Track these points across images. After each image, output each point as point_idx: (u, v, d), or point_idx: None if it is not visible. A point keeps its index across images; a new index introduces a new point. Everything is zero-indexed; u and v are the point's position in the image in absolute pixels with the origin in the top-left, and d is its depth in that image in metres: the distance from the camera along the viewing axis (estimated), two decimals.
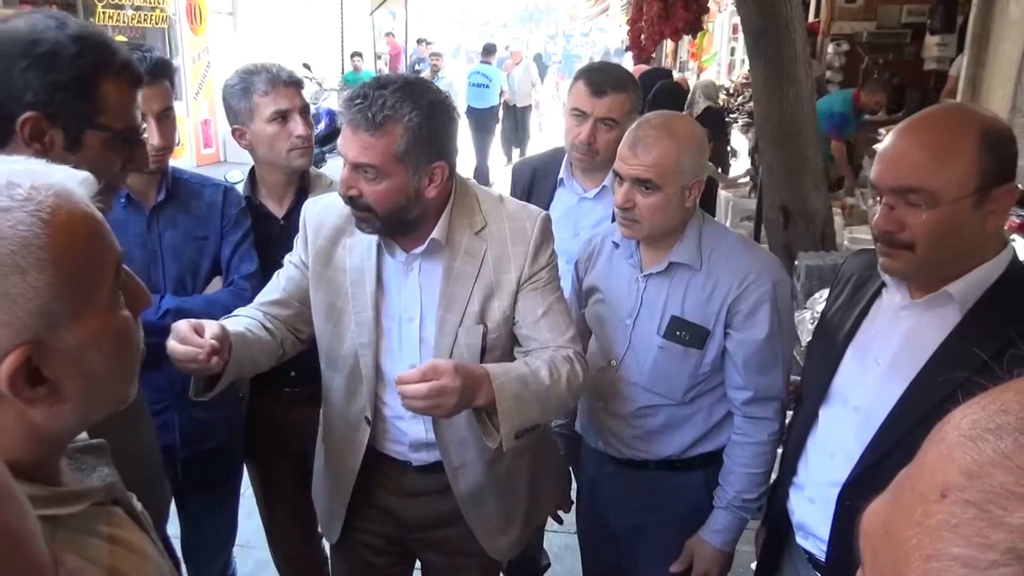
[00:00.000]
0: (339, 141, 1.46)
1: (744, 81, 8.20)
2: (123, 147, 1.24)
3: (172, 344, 1.36)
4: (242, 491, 2.21)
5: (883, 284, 1.35)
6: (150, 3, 9.39)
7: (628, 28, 2.58)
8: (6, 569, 0.40)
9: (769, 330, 1.61)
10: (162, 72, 1.80)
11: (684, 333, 1.65)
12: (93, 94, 1.17)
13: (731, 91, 8.44)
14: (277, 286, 1.65)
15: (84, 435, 0.88)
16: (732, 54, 10.78)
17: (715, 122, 6.09)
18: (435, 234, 1.51)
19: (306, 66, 9.45)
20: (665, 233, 1.65)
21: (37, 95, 1.13)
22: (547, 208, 2.23)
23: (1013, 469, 0.27)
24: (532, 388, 1.44)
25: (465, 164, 9.37)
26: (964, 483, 0.29)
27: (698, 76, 9.09)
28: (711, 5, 9.34)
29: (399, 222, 1.48)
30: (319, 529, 2.01)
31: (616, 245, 1.77)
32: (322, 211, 1.61)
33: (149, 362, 1.75)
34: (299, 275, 1.63)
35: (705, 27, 9.16)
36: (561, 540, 3.05)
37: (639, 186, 1.58)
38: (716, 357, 1.66)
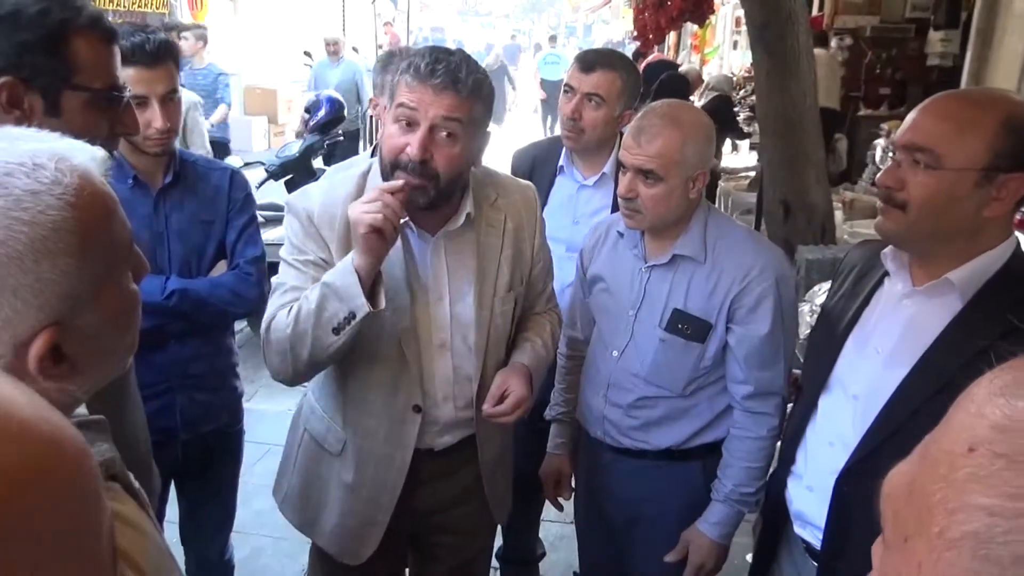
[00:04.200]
0: (409, 99, 1.42)
1: (747, 75, 8.19)
2: (107, 107, 1.22)
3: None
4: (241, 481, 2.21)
5: (885, 274, 1.35)
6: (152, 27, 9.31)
7: (634, 18, 2.58)
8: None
9: (771, 326, 1.62)
10: (166, 54, 1.79)
11: (686, 326, 1.65)
12: (65, 52, 1.16)
13: (734, 84, 8.42)
14: (304, 288, 1.52)
15: (84, 411, 0.89)
16: (735, 47, 10.76)
17: (723, 112, 6.08)
18: (469, 208, 1.55)
19: (307, 53, 9.43)
20: (669, 224, 1.65)
21: (7, 58, 1.12)
22: (547, 196, 2.24)
23: None
24: (542, 363, 1.70)
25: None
26: (994, 437, 0.29)
27: (700, 68, 9.08)
28: None
29: (450, 192, 1.50)
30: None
31: (621, 235, 1.77)
32: (325, 203, 1.55)
33: (152, 343, 1.79)
34: (323, 273, 1.51)
35: (709, 21, 9.14)
36: (557, 530, 3.07)
37: (642, 176, 1.58)
38: (718, 351, 1.67)
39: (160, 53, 1.77)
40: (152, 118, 1.76)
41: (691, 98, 6.25)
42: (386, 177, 1.49)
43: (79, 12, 1.17)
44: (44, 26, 1.14)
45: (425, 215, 1.53)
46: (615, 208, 1.87)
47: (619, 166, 1.66)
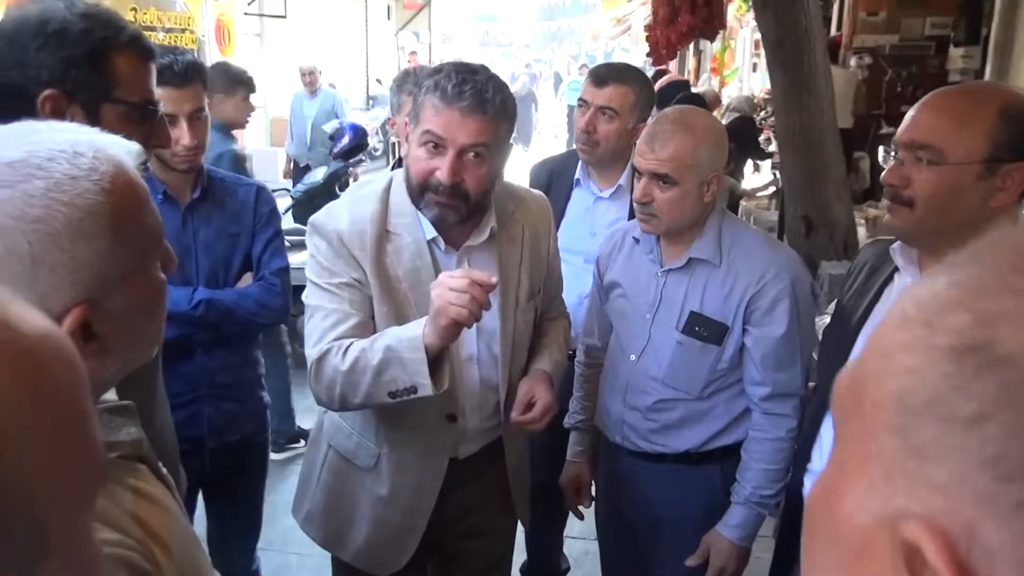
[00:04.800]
0: (436, 125, 1.44)
1: (767, 96, 8.22)
2: (142, 121, 1.27)
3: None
4: (265, 495, 2.24)
5: (896, 269, 1.36)
6: (180, 25, 9.60)
7: (647, 36, 2.63)
8: (77, 447, 0.42)
9: (787, 327, 1.63)
10: (194, 75, 1.87)
11: (703, 329, 1.67)
12: (106, 67, 1.22)
13: (755, 105, 8.45)
14: (346, 312, 1.52)
15: (113, 395, 0.92)
16: (754, 69, 10.80)
17: (745, 132, 6.09)
18: (493, 222, 1.59)
19: (332, 86, 9.64)
20: (684, 228, 1.67)
21: (52, 72, 1.17)
22: (563, 209, 2.27)
23: (961, 286, 0.29)
24: (560, 368, 1.74)
25: None
26: (915, 312, 0.31)
27: (720, 90, 9.14)
28: (733, 21, 9.39)
29: (479, 207, 1.54)
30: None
31: (637, 240, 1.80)
32: (353, 221, 1.55)
33: (180, 353, 1.84)
34: (360, 295, 1.54)
35: (728, 43, 9.21)
36: (581, 546, 3.06)
37: (657, 180, 1.61)
38: (735, 353, 1.68)
39: (188, 74, 1.85)
40: (180, 136, 1.83)
41: None
42: (413, 197, 1.52)
43: (120, 31, 1.24)
44: (88, 43, 1.20)
45: (452, 228, 1.56)
46: (631, 219, 1.90)
47: (634, 172, 1.69)
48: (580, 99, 2.20)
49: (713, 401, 1.72)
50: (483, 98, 1.43)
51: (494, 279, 1.39)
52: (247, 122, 3.47)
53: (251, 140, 6.78)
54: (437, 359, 1.43)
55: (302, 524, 1.79)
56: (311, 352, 1.51)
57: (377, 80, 12.58)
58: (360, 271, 1.53)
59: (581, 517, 2.10)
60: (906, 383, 0.29)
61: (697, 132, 1.60)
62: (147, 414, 1.39)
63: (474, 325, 1.58)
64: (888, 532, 0.27)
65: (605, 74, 2.16)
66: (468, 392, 1.63)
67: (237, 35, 10.43)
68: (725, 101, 8.03)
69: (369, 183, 1.68)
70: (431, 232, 1.56)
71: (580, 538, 3.04)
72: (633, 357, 1.76)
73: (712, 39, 2.49)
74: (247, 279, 1.98)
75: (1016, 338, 0.25)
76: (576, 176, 2.27)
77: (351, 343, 1.48)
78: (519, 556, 2.69)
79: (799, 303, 1.64)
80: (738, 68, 11.07)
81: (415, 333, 1.42)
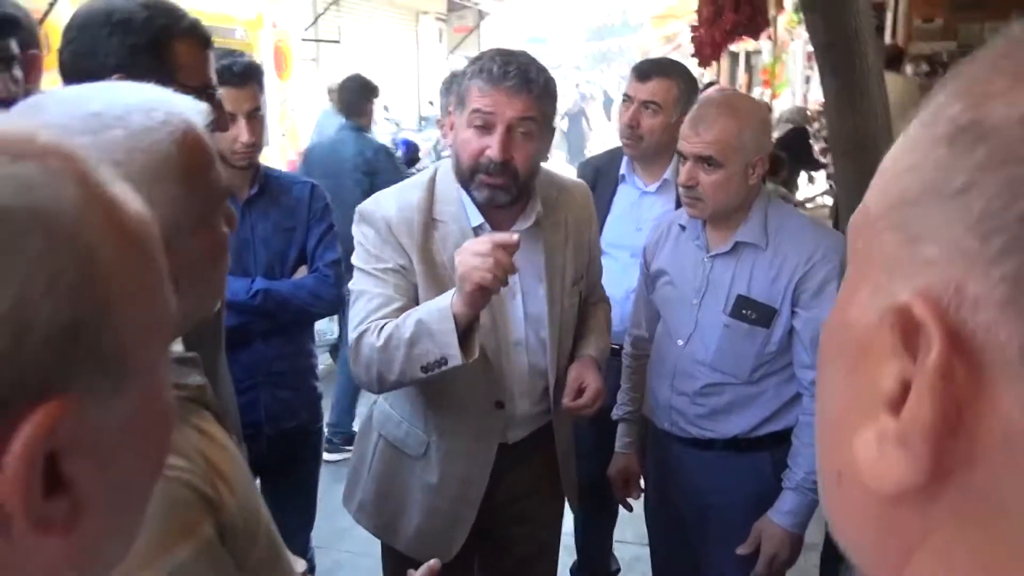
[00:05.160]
0: (484, 104, 1.47)
1: (819, 108, 8.11)
2: None
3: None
4: (319, 496, 2.29)
5: None
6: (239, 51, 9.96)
7: (692, 37, 2.63)
8: (156, 294, 0.43)
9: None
10: (251, 75, 1.95)
11: (750, 312, 1.66)
12: (167, 54, 1.29)
13: (808, 117, 8.35)
14: (390, 296, 1.54)
15: (180, 347, 0.97)
16: (807, 82, 10.67)
17: (798, 143, 6.02)
18: (539, 207, 1.61)
19: (385, 108, 9.88)
20: (729, 211, 1.68)
21: (120, 59, 1.25)
22: (609, 204, 2.29)
23: (956, 84, 0.30)
24: (604, 353, 1.78)
25: None
26: (916, 123, 0.31)
27: (771, 103, 9.06)
28: (784, 34, 9.31)
29: (527, 189, 1.56)
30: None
31: (683, 228, 1.81)
32: (401, 207, 1.57)
33: (239, 341, 1.91)
34: (405, 281, 1.56)
35: (779, 56, 9.13)
36: (632, 551, 3.03)
37: (701, 163, 1.62)
38: (783, 336, 1.67)
39: (246, 74, 1.93)
40: (239, 133, 1.91)
41: None
42: (463, 181, 1.54)
43: (179, 19, 1.32)
44: (150, 31, 1.28)
45: (498, 215, 1.58)
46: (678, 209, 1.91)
47: (680, 158, 1.70)
48: (624, 94, 2.22)
49: (762, 386, 1.71)
50: (528, 77, 1.46)
51: (515, 237, 1.38)
52: (374, 123, 4.41)
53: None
54: (468, 329, 1.43)
55: (354, 514, 1.81)
56: (351, 334, 1.54)
57: (429, 102, 12.81)
58: (406, 258, 1.55)
59: (630, 509, 2.09)
60: (906, 181, 0.30)
61: (741, 114, 1.61)
62: (213, 383, 1.46)
63: (523, 309, 1.62)
64: (888, 317, 0.29)
65: (648, 69, 2.18)
66: (517, 378, 1.64)
67: (294, 60, 10.75)
68: (776, 113, 7.96)
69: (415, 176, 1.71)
70: (477, 219, 1.58)
71: (632, 543, 3.02)
72: (680, 342, 1.77)
73: (756, 37, 2.49)
74: (302, 271, 2.05)
75: (1004, 111, 0.27)
76: (621, 172, 2.29)
77: (387, 322, 1.49)
78: (569, 558, 2.69)
79: None
80: (790, 80, 10.95)
81: (443, 304, 1.42)
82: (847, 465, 0.31)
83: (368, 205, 1.62)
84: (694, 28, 2.55)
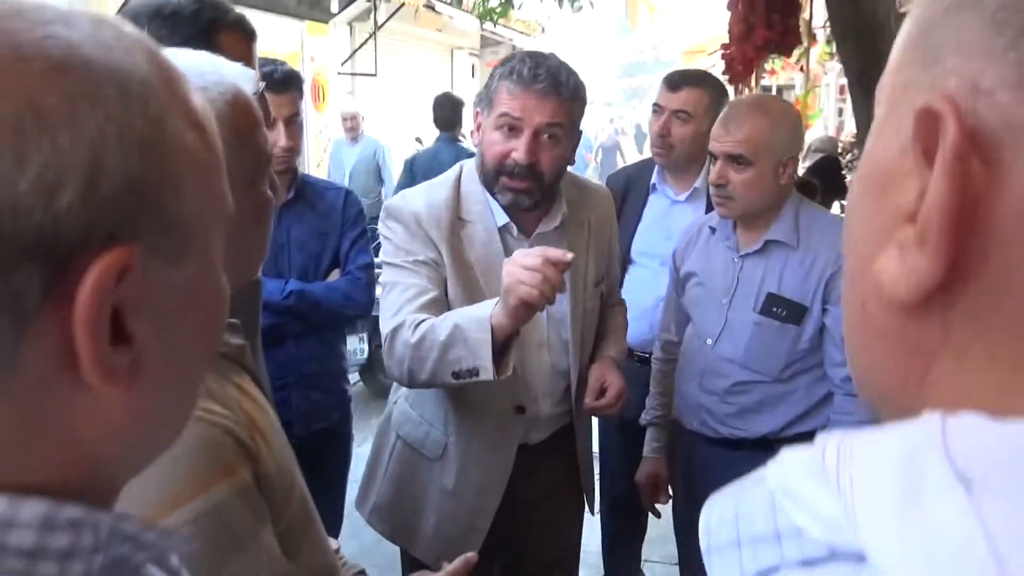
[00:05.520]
0: (512, 107, 1.47)
1: (852, 140, 8.08)
2: None
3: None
4: (346, 513, 2.28)
5: None
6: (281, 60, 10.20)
7: (722, 54, 2.65)
8: (215, 179, 0.45)
9: None
10: (291, 83, 2.02)
11: (781, 309, 1.66)
12: (215, 46, 1.33)
13: (841, 150, 8.32)
14: (424, 287, 1.52)
15: None
16: (840, 115, 10.65)
17: (830, 173, 5.98)
18: (565, 208, 1.62)
19: (418, 140, 10.06)
20: (760, 211, 1.68)
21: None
22: (640, 214, 2.31)
23: None
24: (624, 354, 1.78)
25: None
26: None
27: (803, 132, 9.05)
28: (816, 67, 9.33)
29: (551, 191, 1.56)
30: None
31: (713, 230, 1.81)
32: (429, 203, 1.56)
33: (273, 341, 1.94)
34: (436, 275, 1.54)
35: (811, 88, 9.13)
36: (662, 570, 2.99)
37: (732, 162, 1.63)
38: (814, 334, 1.66)
39: (287, 81, 2.00)
40: (277, 138, 1.97)
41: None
42: (487, 183, 1.54)
43: (226, 13, 1.37)
44: (198, 23, 1.34)
45: (523, 215, 1.59)
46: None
47: (711, 159, 1.71)
48: (655, 104, 2.25)
49: (793, 384, 1.70)
50: (558, 80, 1.46)
51: (569, 256, 1.35)
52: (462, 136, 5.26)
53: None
54: (505, 345, 1.40)
55: (368, 518, 1.77)
56: (386, 325, 1.51)
57: (461, 135, 13.02)
58: (436, 252, 1.53)
59: (659, 515, 2.07)
60: (918, 18, 0.31)
61: (772, 114, 1.62)
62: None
63: (545, 310, 1.60)
64: (907, 131, 0.29)
65: (679, 79, 2.20)
66: (539, 380, 1.63)
67: (331, 93, 11.01)
68: (807, 142, 7.94)
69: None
70: (502, 219, 1.58)
71: (659, 562, 2.98)
72: (710, 341, 1.76)
73: (788, 54, 2.50)
74: (335, 275, 2.09)
75: None
76: (652, 181, 2.31)
77: (424, 319, 1.47)
78: (597, 573, 2.66)
79: None
80: (822, 110, 10.95)
81: (483, 314, 1.39)
82: (872, 290, 0.32)
83: (395, 201, 1.62)
84: (725, 46, 2.57)
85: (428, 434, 1.66)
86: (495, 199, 1.56)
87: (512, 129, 1.48)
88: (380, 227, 1.60)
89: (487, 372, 1.37)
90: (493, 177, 1.52)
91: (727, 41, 2.77)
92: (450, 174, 1.64)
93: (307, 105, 10.46)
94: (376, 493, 1.74)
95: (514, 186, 1.50)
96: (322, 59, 10.19)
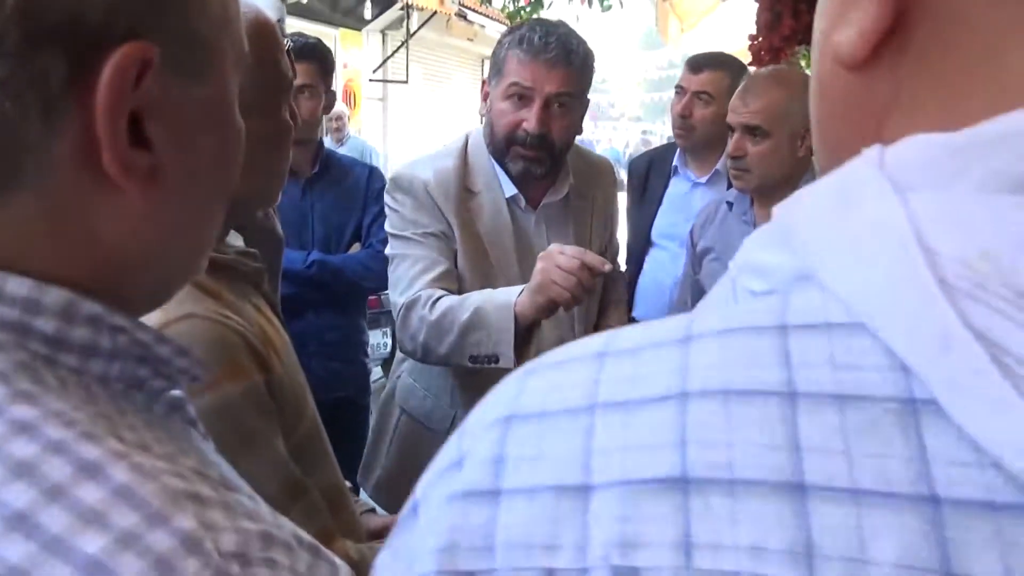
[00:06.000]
0: (522, 77, 1.45)
1: None
2: None
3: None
4: None
5: None
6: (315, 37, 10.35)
7: (749, 45, 2.63)
8: (228, 9, 0.46)
9: None
10: (309, 53, 2.06)
11: None
12: None
13: None
14: (435, 259, 1.49)
15: (241, 243, 1.03)
16: None
17: None
18: (571, 179, 1.61)
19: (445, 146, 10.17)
20: (777, 184, 1.68)
21: None
22: (662, 196, 2.31)
23: None
24: (624, 324, 1.63)
25: None
26: None
27: None
28: None
29: (560, 161, 1.55)
30: None
31: (730, 206, 1.82)
32: (437, 171, 1.53)
33: (292, 311, 1.97)
34: (446, 247, 1.51)
35: None
36: None
37: (749, 134, 1.64)
38: None
39: (303, 51, 2.04)
40: None
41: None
42: (498, 152, 1.51)
43: None
44: None
45: (531, 186, 1.56)
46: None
47: (729, 132, 1.72)
48: (677, 86, 2.26)
49: None
50: (568, 49, 1.45)
51: (607, 267, 1.35)
52: None
53: None
54: (527, 333, 1.38)
55: (371, 493, 1.74)
56: (399, 299, 1.48)
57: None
58: (445, 223, 1.50)
59: None
60: None
61: (790, 85, 1.62)
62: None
63: None
64: None
65: (701, 61, 2.21)
66: (543, 345, 1.56)
67: (363, 99, 11.16)
68: None
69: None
70: (510, 190, 1.55)
71: None
72: None
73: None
74: (356, 249, 2.12)
75: None
76: (674, 163, 2.32)
77: (441, 295, 1.44)
78: None
79: None
80: None
81: (507, 300, 1.37)
82: (829, 60, 0.33)
83: (402, 170, 1.59)
84: (752, 36, 2.57)
85: (434, 406, 1.64)
86: (505, 169, 1.54)
87: (522, 98, 1.46)
88: (386, 198, 1.57)
89: (508, 360, 1.36)
90: (504, 147, 1.50)
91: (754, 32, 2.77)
92: (456, 143, 1.62)
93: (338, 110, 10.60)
94: (380, 467, 1.71)
95: (526, 155, 1.48)
96: (355, 66, 10.35)
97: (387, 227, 1.56)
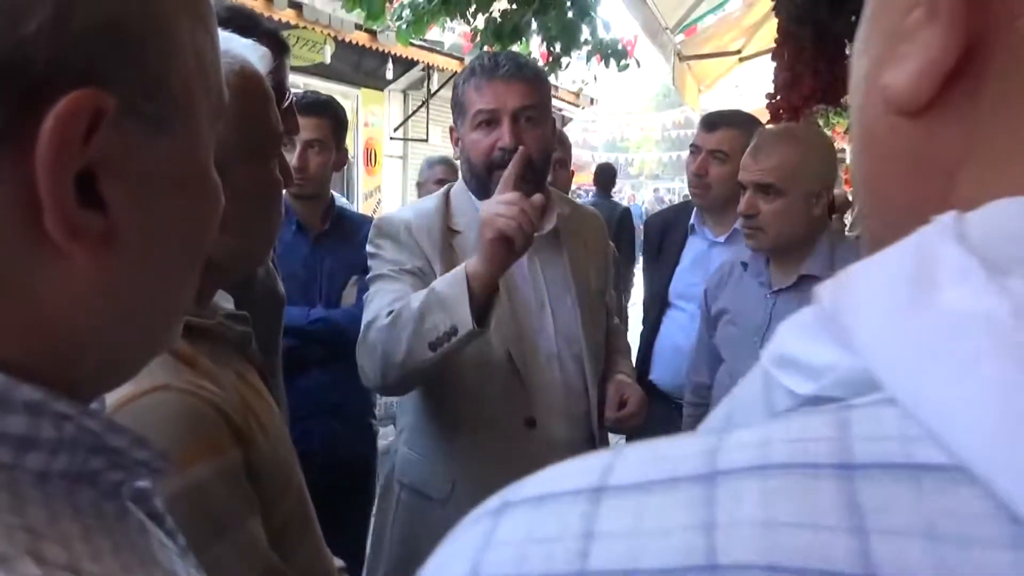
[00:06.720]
0: (485, 102, 1.46)
1: None
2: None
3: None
4: None
5: None
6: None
7: (767, 103, 2.61)
8: (202, 50, 0.42)
9: None
10: (317, 109, 2.05)
11: None
12: None
13: None
14: (405, 292, 1.43)
15: (231, 306, 0.99)
16: None
17: None
18: (559, 209, 1.58)
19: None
20: (793, 244, 1.63)
21: None
22: (678, 257, 2.27)
23: None
24: (633, 373, 1.73)
25: None
26: None
27: (849, 196, 8.96)
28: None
29: (543, 178, 1.53)
30: None
31: (745, 266, 1.77)
32: (419, 213, 1.53)
33: (296, 368, 1.93)
34: (419, 282, 1.46)
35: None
36: None
37: (761, 192, 1.60)
38: None
39: (314, 107, 2.04)
40: (292, 158, 1.99)
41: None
42: (482, 184, 1.48)
43: (257, 24, 1.42)
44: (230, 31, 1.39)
45: None
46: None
47: (741, 190, 1.68)
48: (692, 145, 2.24)
49: None
50: (519, 64, 1.47)
51: (542, 198, 1.33)
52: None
53: None
54: (487, 301, 1.31)
55: None
56: (362, 332, 1.43)
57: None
58: (424, 261, 1.47)
59: None
60: None
61: (803, 142, 1.59)
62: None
63: (551, 323, 1.52)
64: None
65: (716, 119, 2.19)
66: (550, 393, 1.52)
67: (383, 157, 11.32)
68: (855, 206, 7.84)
69: None
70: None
71: None
72: (741, 381, 1.69)
73: (835, 104, 2.44)
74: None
75: None
76: (691, 222, 2.28)
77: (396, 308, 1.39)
78: None
79: None
80: None
81: (459, 269, 1.32)
82: (879, 110, 0.28)
83: (383, 216, 1.59)
84: (770, 95, 2.56)
85: (433, 471, 1.54)
86: (492, 195, 1.46)
87: (490, 123, 1.46)
88: (369, 247, 1.55)
89: (466, 324, 1.26)
90: (486, 174, 1.47)
91: (771, 91, 2.76)
92: (439, 191, 1.62)
93: (359, 168, 10.78)
94: (385, 557, 1.60)
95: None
96: (376, 124, 10.53)
97: (368, 276, 1.53)
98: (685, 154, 2.37)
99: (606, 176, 6.75)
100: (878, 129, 0.28)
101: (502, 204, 1.29)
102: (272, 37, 1.42)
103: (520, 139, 1.45)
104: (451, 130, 1.59)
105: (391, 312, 1.37)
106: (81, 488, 0.38)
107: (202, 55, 0.42)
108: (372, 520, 2.21)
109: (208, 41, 0.43)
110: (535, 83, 1.49)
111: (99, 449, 0.38)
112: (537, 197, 1.31)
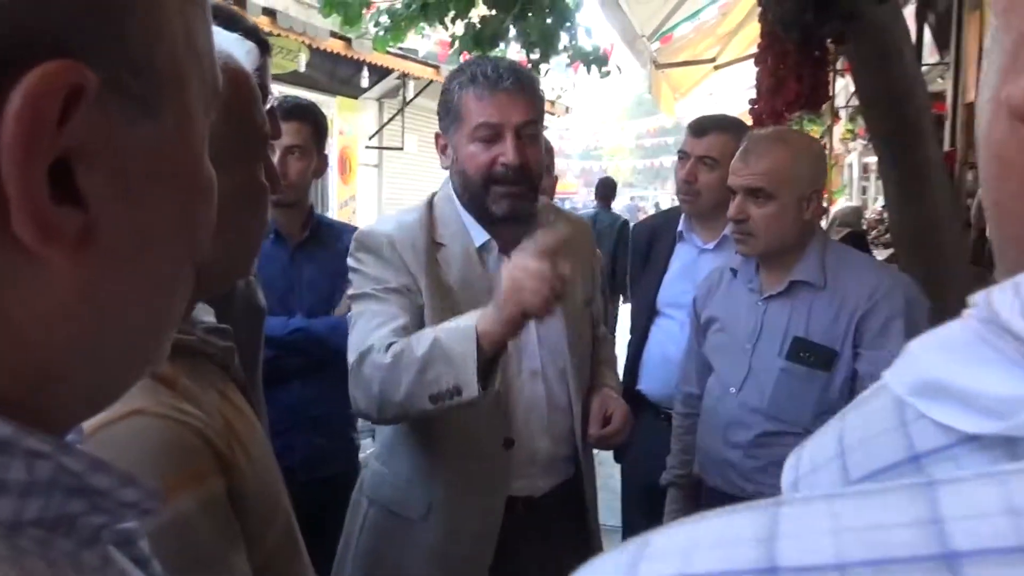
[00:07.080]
0: (489, 115, 1.41)
1: (876, 217, 8.01)
2: None
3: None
4: None
5: None
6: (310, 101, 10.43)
7: (750, 109, 2.61)
8: (191, 29, 0.37)
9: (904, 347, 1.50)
10: (297, 114, 2.00)
11: (808, 355, 1.57)
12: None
13: (867, 226, 8.27)
14: (393, 314, 1.40)
15: (212, 319, 0.93)
16: (863, 193, 10.64)
17: (858, 248, 5.92)
18: (546, 218, 1.56)
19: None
20: (783, 249, 1.61)
21: None
22: (666, 264, 2.24)
23: None
24: (620, 387, 1.67)
25: None
26: None
27: (829, 208, 9.05)
28: (839, 146, 9.38)
29: (536, 194, 1.50)
30: None
31: (734, 273, 1.74)
32: (401, 226, 1.47)
33: (276, 380, 1.87)
34: (408, 302, 1.43)
35: (834, 162, 9.17)
36: None
37: (752, 196, 1.57)
38: (846, 382, 1.56)
39: (293, 112, 1.98)
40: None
41: None
42: (475, 197, 1.45)
43: (238, 23, 1.36)
44: None
45: (503, 233, 1.47)
46: None
47: (731, 195, 1.66)
48: (680, 151, 2.21)
49: None
50: (520, 77, 1.43)
51: (569, 267, 1.25)
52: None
53: None
54: (491, 361, 1.25)
55: None
56: (351, 356, 1.37)
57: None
58: (410, 277, 1.42)
59: None
60: None
61: (793, 146, 1.57)
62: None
63: (535, 336, 1.48)
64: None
65: (705, 124, 2.17)
66: (533, 411, 1.48)
67: (358, 166, 11.24)
68: (832, 216, 7.91)
69: None
70: (481, 238, 1.48)
71: None
72: (733, 390, 1.66)
73: (817, 109, 2.46)
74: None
75: None
76: (679, 229, 2.25)
77: (395, 341, 1.33)
78: None
79: (916, 324, 1.51)
80: (846, 187, 10.98)
81: (467, 324, 1.25)
82: (1008, 125, 0.26)
83: (365, 229, 1.53)
84: (752, 101, 2.55)
85: (409, 491, 1.49)
86: (489, 211, 1.46)
87: (491, 136, 1.41)
88: (350, 260, 1.50)
89: (471, 389, 1.22)
90: (483, 189, 1.43)
91: (754, 96, 2.75)
92: (420, 202, 1.56)
93: (333, 176, 10.68)
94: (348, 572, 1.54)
95: (511, 192, 1.42)
96: (351, 132, 10.45)
97: (349, 291, 1.47)
98: (658, 162, 2.35)
99: (607, 189, 6.99)
100: (1010, 145, 0.27)
101: (532, 277, 1.20)
102: (254, 34, 1.36)
103: (523, 155, 1.41)
104: (437, 136, 1.53)
105: (390, 346, 1.32)
106: (56, 538, 0.32)
107: (193, 35, 0.37)
108: None
109: (201, 21, 0.38)
110: (535, 97, 1.47)
111: (79, 491, 0.32)
112: (567, 268, 1.23)
